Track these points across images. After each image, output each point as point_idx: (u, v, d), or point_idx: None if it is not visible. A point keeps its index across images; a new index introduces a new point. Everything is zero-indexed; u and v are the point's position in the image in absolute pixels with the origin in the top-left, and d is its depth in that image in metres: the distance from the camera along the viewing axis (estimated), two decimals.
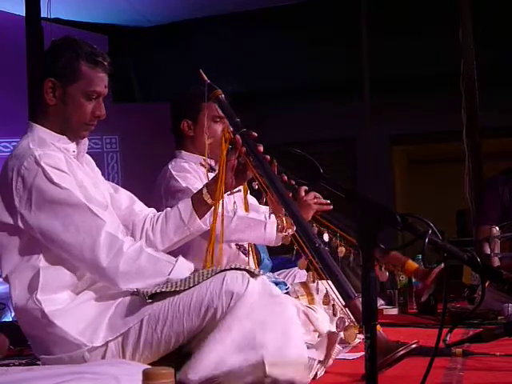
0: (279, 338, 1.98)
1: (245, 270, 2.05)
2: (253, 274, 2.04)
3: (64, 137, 2.29)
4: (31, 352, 2.83)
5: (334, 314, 2.49)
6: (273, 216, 2.95)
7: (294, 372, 1.98)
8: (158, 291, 2.03)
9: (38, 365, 2.32)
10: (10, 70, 6.06)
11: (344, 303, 2.05)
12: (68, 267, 2.18)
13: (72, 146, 2.31)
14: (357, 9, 7.13)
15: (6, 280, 2.20)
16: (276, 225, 2.96)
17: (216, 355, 1.98)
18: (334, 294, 2.17)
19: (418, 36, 6.91)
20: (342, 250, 2.93)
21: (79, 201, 2.13)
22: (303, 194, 3.12)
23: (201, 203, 2.43)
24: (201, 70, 2.47)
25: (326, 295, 2.58)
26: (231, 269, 2.04)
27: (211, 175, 2.54)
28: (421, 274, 2.80)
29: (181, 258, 2.18)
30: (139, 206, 2.55)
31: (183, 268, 2.15)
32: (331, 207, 3.12)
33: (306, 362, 2.05)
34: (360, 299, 2.03)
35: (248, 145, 2.38)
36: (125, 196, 2.54)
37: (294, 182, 3.12)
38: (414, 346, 1.99)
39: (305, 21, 7.28)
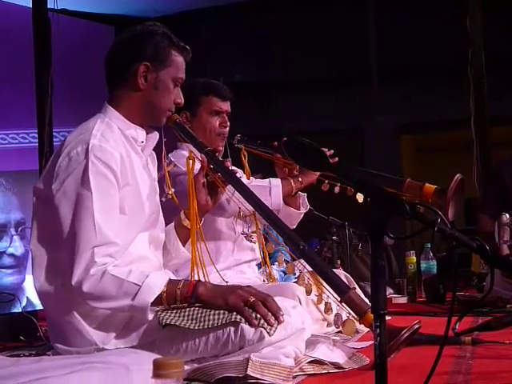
0: (273, 349, 2.01)
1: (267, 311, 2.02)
2: (271, 330, 2.01)
3: (136, 126, 2.26)
4: (41, 343, 2.86)
5: (326, 312, 2.47)
6: (278, 180, 3.00)
7: (274, 377, 1.95)
8: (173, 323, 2.02)
9: (48, 355, 2.33)
10: (16, 62, 6.05)
11: (339, 299, 2.03)
12: None
13: (141, 136, 2.28)
14: None
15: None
16: (281, 188, 2.97)
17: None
18: (328, 291, 2.15)
19: (425, 24, 6.89)
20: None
21: (90, 207, 2.05)
22: None
23: (182, 228, 2.41)
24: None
25: (319, 296, 2.53)
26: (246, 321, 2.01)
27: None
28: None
29: (151, 276, 2.05)
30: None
31: (152, 288, 2.03)
32: None
33: (288, 370, 2.00)
34: (354, 290, 2.02)
35: (214, 162, 2.37)
36: None
37: None
38: (416, 326, 1.99)
39: (312, 10, 7.27)
